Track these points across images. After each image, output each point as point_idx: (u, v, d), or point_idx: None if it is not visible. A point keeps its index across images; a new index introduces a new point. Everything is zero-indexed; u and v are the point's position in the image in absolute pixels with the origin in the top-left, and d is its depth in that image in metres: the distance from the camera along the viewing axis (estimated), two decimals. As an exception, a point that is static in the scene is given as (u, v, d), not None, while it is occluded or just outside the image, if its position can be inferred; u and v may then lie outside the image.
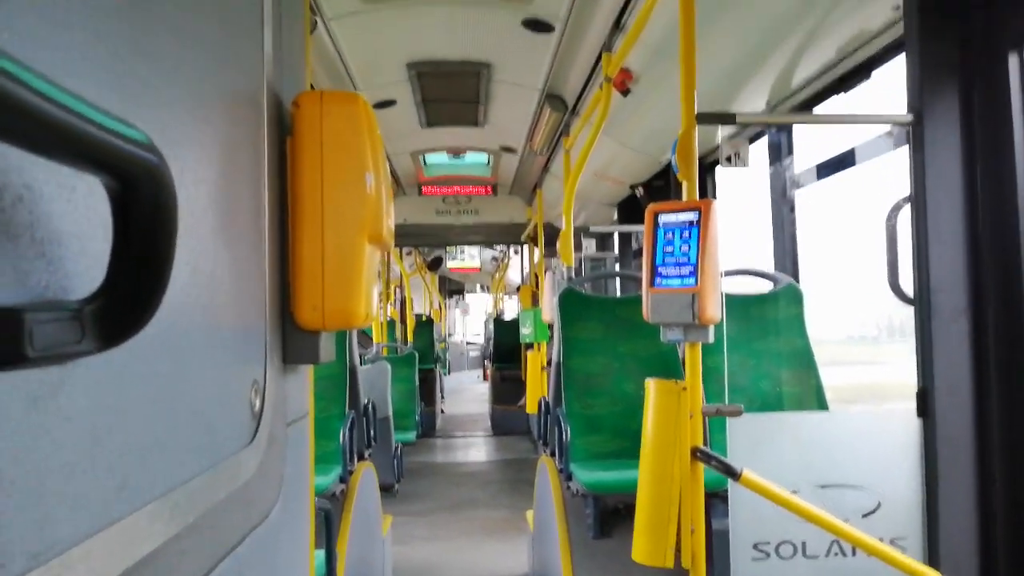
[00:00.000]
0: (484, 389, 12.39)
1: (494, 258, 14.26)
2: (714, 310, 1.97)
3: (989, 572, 2.00)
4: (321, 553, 1.96)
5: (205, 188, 0.71)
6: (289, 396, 1.04)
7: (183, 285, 0.64)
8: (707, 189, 4.66)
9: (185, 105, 0.68)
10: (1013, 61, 2.06)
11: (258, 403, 0.88)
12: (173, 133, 0.63)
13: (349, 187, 0.99)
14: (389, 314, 9.98)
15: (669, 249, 2.06)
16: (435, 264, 13.63)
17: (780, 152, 3.79)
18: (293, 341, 1.01)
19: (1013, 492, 2.00)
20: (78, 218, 0.48)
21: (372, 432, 3.85)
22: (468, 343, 21.80)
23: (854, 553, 2.07)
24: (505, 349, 9.95)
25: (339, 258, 0.98)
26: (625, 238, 6.86)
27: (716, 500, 2.44)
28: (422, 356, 8.99)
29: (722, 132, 3.81)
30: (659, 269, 2.07)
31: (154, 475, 0.59)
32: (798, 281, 3.53)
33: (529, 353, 6.49)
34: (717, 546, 2.33)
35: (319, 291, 0.98)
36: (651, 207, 2.13)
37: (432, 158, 6.69)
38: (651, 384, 2.07)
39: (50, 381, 0.44)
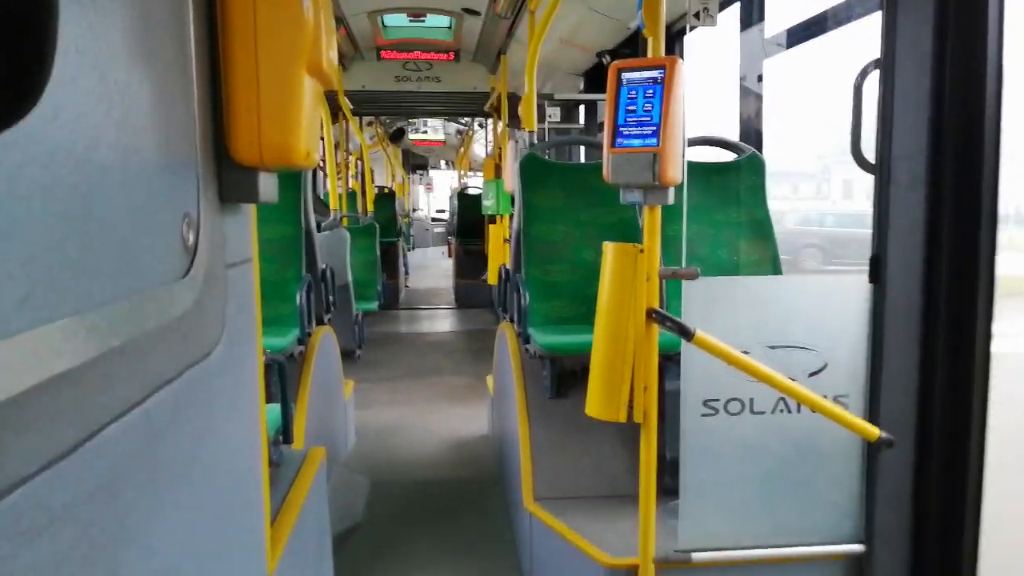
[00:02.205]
0: (449, 265, 12.43)
1: (459, 131, 13.94)
2: (675, 171, 1.94)
3: (924, 426, 2.10)
4: (276, 407, 1.97)
5: None
6: (229, 237, 1.00)
7: (88, 89, 0.59)
8: (675, 55, 4.52)
9: None
10: (994, -80, 1.97)
11: (191, 237, 0.84)
12: None
13: (284, 8, 0.91)
14: (350, 186, 9.81)
15: (632, 108, 2.00)
16: (397, 136, 13.29)
17: (751, 17, 3.67)
18: (230, 178, 0.96)
19: (953, 356, 2.07)
20: None
21: (331, 298, 3.85)
22: (433, 219, 21.68)
23: (799, 409, 2.15)
24: (469, 224, 9.92)
25: (275, 88, 0.92)
26: (591, 108, 6.73)
27: (669, 363, 2.50)
28: (384, 229, 8.92)
29: (693, -7, 3.65)
30: (620, 129, 2.01)
31: (66, 292, 0.55)
32: (761, 152, 3.50)
33: (491, 226, 6.46)
34: (668, 404, 2.40)
35: (255, 124, 0.92)
36: (614, 64, 2.05)
37: (391, 19, 6.38)
38: (608, 247, 2.06)
39: None
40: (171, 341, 0.77)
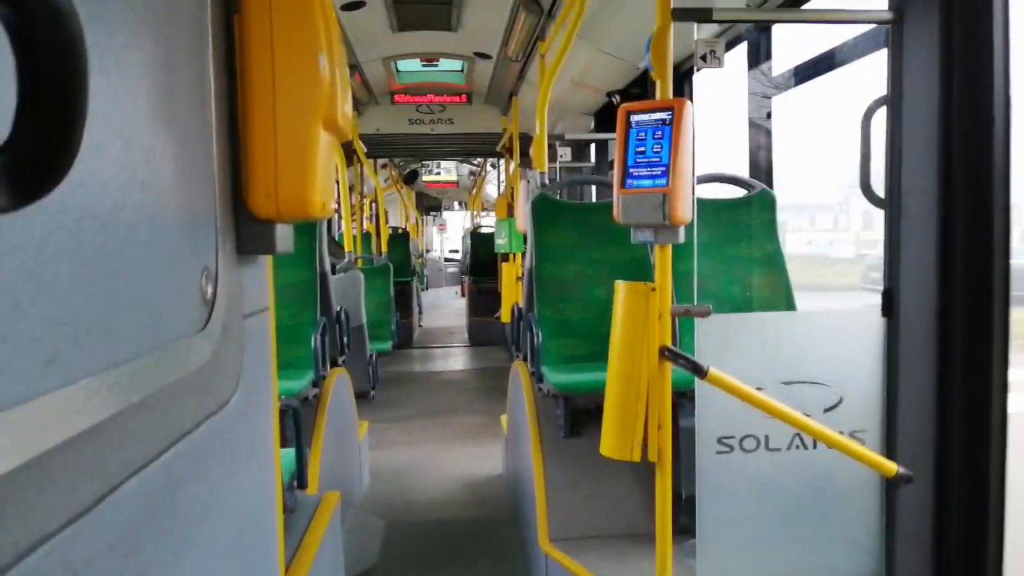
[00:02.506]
0: (462, 304, 12.48)
1: (471, 173, 14.07)
2: (685, 210, 1.96)
3: (943, 461, 2.08)
4: (291, 452, 1.98)
5: (139, 56, 0.67)
6: (246, 287, 1.02)
7: (117, 155, 0.61)
8: (683, 95, 4.58)
9: None
10: (996, -40, 2.01)
11: (210, 290, 0.86)
12: None
13: (301, 68, 0.95)
14: (364, 227, 9.90)
15: (641, 149, 2.03)
16: (411, 178, 13.43)
17: (758, 56, 3.72)
18: (247, 230, 0.99)
19: (970, 390, 2.05)
20: None
21: (345, 339, 3.87)
22: (446, 259, 21.83)
23: (815, 446, 2.14)
24: (482, 262, 9.98)
25: (292, 143, 0.95)
26: (601, 147, 6.78)
27: (683, 400, 2.49)
28: (398, 269, 8.98)
29: (699, 34, 3.71)
30: (630, 170, 2.04)
31: (90, 351, 0.57)
32: (772, 188, 3.52)
33: (504, 264, 6.49)
34: (683, 442, 2.39)
35: (272, 178, 0.95)
36: (623, 107, 2.09)
37: (404, 65, 6.49)
38: (620, 286, 2.07)
39: None
40: (190, 394, 0.79)
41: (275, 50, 0.95)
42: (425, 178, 14.59)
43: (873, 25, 2.54)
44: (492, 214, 15.58)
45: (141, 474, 0.66)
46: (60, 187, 0.45)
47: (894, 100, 2.12)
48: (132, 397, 0.63)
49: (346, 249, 6.11)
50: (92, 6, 0.56)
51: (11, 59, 0.41)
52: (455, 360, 8.95)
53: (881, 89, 2.18)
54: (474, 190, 14.74)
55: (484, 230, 11.25)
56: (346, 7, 4.69)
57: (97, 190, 0.57)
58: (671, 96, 2.04)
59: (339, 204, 6.97)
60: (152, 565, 0.68)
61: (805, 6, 3.32)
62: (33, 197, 0.43)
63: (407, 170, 12.97)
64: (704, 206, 3.17)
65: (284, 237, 1.06)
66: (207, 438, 0.84)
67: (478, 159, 11.91)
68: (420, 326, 11.33)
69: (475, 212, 15.52)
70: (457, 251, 20.33)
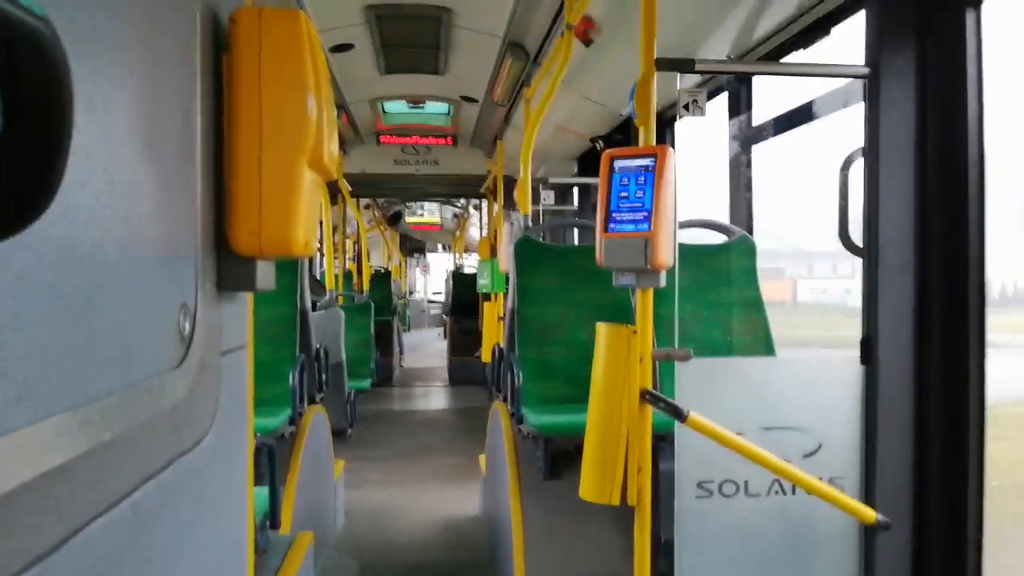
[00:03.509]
0: (444, 347, 12.43)
1: (455, 215, 14.13)
2: (666, 255, 1.98)
3: (922, 509, 2.08)
4: (264, 490, 1.95)
5: (125, 93, 0.67)
6: (225, 325, 1.01)
7: (97, 192, 0.61)
8: (665, 142, 4.65)
9: (102, 3, 0.64)
10: (970, 17, 2.07)
11: (188, 327, 0.85)
12: (83, 26, 0.60)
13: (288, 108, 0.95)
14: (347, 267, 9.89)
15: (624, 195, 2.05)
16: (394, 219, 13.46)
17: (739, 107, 3.79)
18: (228, 267, 0.98)
19: (947, 436, 2.06)
20: None
21: (324, 377, 3.83)
22: (430, 301, 21.78)
23: (794, 491, 2.13)
24: (464, 302, 9.97)
25: (277, 182, 0.95)
26: (584, 191, 6.85)
27: (663, 443, 2.48)
28: (379, 308, 8.94)
29: (682, 84, 3.78)
30: (613, 214, 2.06)
31: (61, 387, 0.56)
32: (752, 234, 3.56)
33: (486, 304, 6.49)
34: (662, 485, 2.37)
35: (256, 215, 0.95)
36: (607, 152, 2.12)
37: (391, 106, 6.55)
38: (602, 328, 2.08)
39: None
40: (162, 432, 0.78)
41: (263, 89, 0.96)
42: (409, 219, 14.61)
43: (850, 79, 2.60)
44: (475, 255, 15.60)
45: (110, 513, 0.65)
46: (40, 220, 0.45)
47: (871, 151, 2.16)
48: (104, 435, 0.62)
49: (328, 287, 6.09)
50: (79, 42, 0.56)
51: None
52: (434, 400, 8.88)
53: (859, 140, 2.22)
54: (457, 232, 14.79)
55: (467, 270, 11.26)
56: (335, 49, 4.74)
57: (78, 225, 0.57)
58: (654, 143, 2.07)
59: (322, 242, 6.96)
60: None
61: (784, 59, 3.40)
62: (11, 231, 0.43)
63: (391, 211, 12.99)
64: (685, 251, 3.20)
65: (266, 274, 1.05)
66: (179, 477, 0.82)
67: (462, 201, 11.97)
68: (401, 366, 11.25)
69: (458, 254, 15.55)
70: (440, 292, 20.35)
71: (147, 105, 0.73)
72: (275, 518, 1.99)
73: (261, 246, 0.96)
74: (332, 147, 1.05)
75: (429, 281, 24.33)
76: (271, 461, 2.01)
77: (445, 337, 12.80)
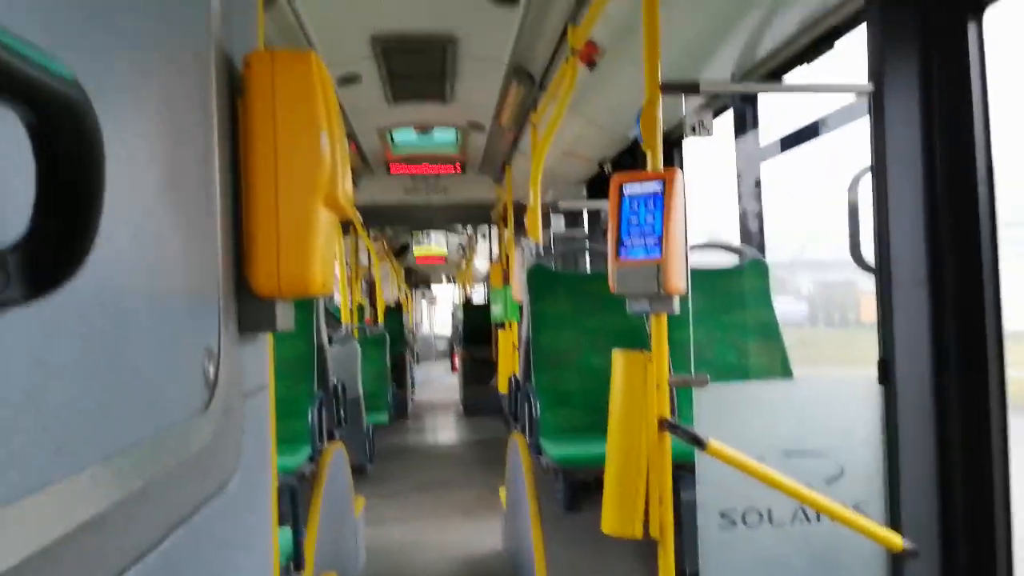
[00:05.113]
0: (453, 381, 12.41)
1: (461, 245, 14.16)
2: (679, 280, 1.97)
3: (948, 534, 2.04)
4: (288, 531, 1.94)
5: (147, 144, 0.69)
6: (247, 366, 1.02)
7: (125, 243, 0.62)
8: (673, 164, 4.66)
9: (123, 56, 0.65)
10: (972, 31, 2.08)
11: (212, 371, 0.86)
12: (108, 82, 0.61)
13: (303, 148, 0.96)
14: (359, 300, 9.92)
15: (634, 220, 2.05)
16: (402, 251, 13.51)
17: (745, 125, 3.80)
18: (249, 309, 0.99)
19: (971, 457, 2.04)
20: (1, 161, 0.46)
21: (342, 412, 3.83)
22: (436, 336, 21.81)
23: (819, 519, 2.10)
24: (475, 331, 9.98)
25: (294, 222, 0.96)
26: (594, 215, 6.87)
27: (683, 471, 2.46)
28: (393, 340, 8.96)
29: (687, 105, 3.81)
30: (624, 241, 2.06)
31: (95, 438, 0.57)
32: (764, 254, 3.56)
33: (500, 332, 6.48)
34: (685, 516, 2.34)
35: (274, 257, 0.96)
36: (615, 178, 2.12)
37: (399, 135, 6.61)
38: (618, 355, 2.07)
39: None
40: (191, 476, 0.78)
41: (278, 131, 0.97)
42: (416, 249, 14.64)
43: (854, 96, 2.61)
44: (482, 286, 15.59)
45: (142, 562, 0.65)
46: (72, 277, 0.46)
47: (879, 168, 2.16)
48: (136, 482, 0.62)
49: (343, 320, 6.10)
50: (105, 102, 0.57)
51: (30, 157, 0.42)
52: (450, 432, 8.86)
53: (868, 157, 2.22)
54: (463, 264, 14.81)
55: (475, 301, 11.30)
56: (342, 81, 4.80)
57: (105, 277, 0.58)
58: (662, 167, 2.08)
59: (336, 275, 6.99)
60: None
61: (788, 75, 3.41)
62: (47, 289, 0.43)
63: (399, 244, 13.06)
64: (698, 275, 3.20)
65: (285, 314, 1.06)
66: (207, 522, 0.82)
67: (468, 229, 12.02)
68: (412, 400, 11.25)
69: (466, 285, 15.58)
70: (447, 324, 20.33)
71: (167, 154, 0.74)
72: (299, 559, 1.98)
73: (280, 286, 0.97)
74: (347, 185, 1.06)
75: (435, 312, 24.33)
76: (294, 502, 2.00)
77: (453, 371, 12.75)
